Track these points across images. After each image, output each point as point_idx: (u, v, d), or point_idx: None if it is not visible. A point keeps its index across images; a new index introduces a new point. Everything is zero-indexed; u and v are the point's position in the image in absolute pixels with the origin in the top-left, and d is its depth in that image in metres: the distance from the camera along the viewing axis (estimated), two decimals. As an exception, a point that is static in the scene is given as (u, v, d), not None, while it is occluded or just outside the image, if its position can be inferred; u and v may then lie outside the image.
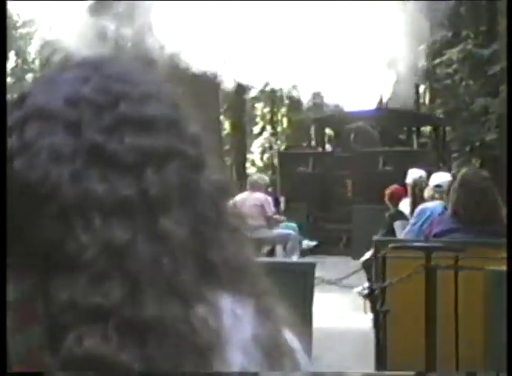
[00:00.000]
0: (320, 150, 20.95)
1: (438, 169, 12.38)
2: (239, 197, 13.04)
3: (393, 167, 16.92)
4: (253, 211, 12.80)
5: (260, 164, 38.35)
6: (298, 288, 5.81)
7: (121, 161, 0.96)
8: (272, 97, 37.50)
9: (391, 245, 6.53)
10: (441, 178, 8.78)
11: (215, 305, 0.96)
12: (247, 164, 35.71)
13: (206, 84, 27.00)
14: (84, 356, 0.88)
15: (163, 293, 0.92)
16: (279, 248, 14.13)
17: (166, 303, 0.92)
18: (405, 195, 10.86)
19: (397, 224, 9.99)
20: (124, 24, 18.84)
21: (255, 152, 38.54)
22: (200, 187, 1.01)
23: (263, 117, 40.64)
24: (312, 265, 6.44)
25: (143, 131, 0.99)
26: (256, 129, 39.92)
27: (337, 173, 18.58)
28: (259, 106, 40.48)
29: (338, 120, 21.61)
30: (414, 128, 22.90)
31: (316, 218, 17.95)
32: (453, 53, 26.33)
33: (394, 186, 11.64)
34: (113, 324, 0.89)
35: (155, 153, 0.98)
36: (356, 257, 11.61)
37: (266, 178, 14.79)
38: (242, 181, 29.42)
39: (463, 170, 7.00)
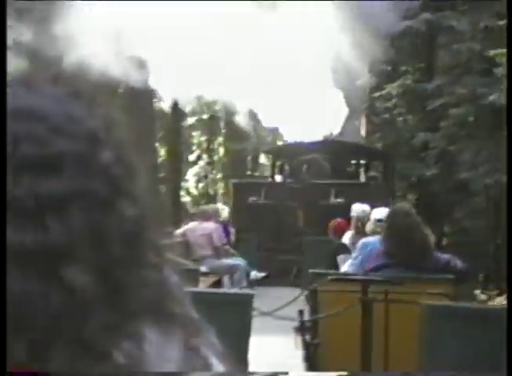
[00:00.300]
0: (270, 180, 21.06)
1: (387, 203, 12.12)
2: (188, 226, 13.48)
3: (345, 199, 16.83)
4: (201, 240, 12.99)
5: (195, 192, 38.16)
6: (236, 319, 5.79)
7: (22, 208, 0.89)
8: (209, 125, 37.88)
9: (329, 277, 6.62)
10: (382, 212, 8.61)
11: (138, 344, 0.92)
12: (182, 193, 35.60)
13: (142, 108, 26.54)
14: None
15: (70, 347, 0.87)
16: (226, 279, 13.88)
17: (75, 358, 0.88)
18: (349, 228, 10.86)
19: (340, 257, 9.89)
20: (41, 31, 16.78)
21: (190, 180, 38.33)
22: (111, 228, 0.93)
23: (199, 145, 40.60)
24: (250, 296, 6.30)
25: (44, 173, 0.91)
26: (192, 157, 39.77)
27: (289, 204, 18.62)
28: (196, 134, 40.53)
29: (290, 151, 21.66)
30: (363, 162, 23.04)
31: (267, 249, 17.59)
32: (393, 88, 25.99)
33: (337, 220, 11.86)
34: None
35: (56, 196, 0.90)
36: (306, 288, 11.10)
37: (219, 207, 14.78)
38: (176, 209, 29.56)
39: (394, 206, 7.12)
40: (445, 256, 6.74)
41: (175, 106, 31.48)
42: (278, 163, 22.72)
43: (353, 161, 23.19)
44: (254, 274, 14.25)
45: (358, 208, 10.52)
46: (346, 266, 8.52)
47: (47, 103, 0.97)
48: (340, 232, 11.17)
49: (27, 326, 0.87)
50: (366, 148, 24.44)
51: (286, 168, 21.29)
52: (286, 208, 18.72)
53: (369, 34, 20.47)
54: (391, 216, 6.91)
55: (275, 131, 24.41)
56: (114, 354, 0.90)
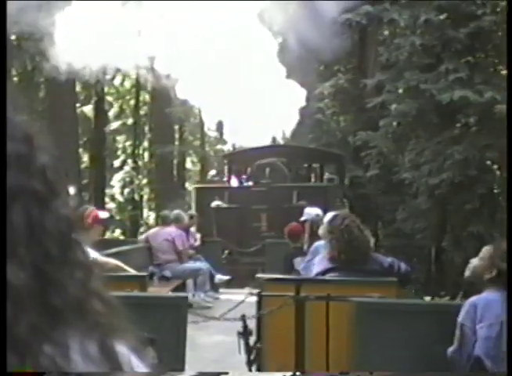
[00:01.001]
0: (228, 184, 20.73)
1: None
2: (150, 232, 13.69)
3: (306, 201, 16.07)
4: (164, 245, 12.91)
5: (120, 198, 36.45)
6: (171, 322, 5.84)
7: None
8: (133, 130, 36.69)
9: (265, 278, 7.03)
10: (327, 215, 8.33)
11: (63, 344, 0.93)
12: (107, 199, 34.59)
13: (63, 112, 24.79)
14: None
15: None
16: (189, 283, 13.75)
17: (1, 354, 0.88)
18: (303, 232, 10.72)
19: (297, 260, 9.98)
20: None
21: (116, 186, 36.48)
22: (46, 224, 0.96)
23: (124, 150, 39.08)
24: (185, 298, 6.49)
25: None
26: (117, 163, 38.00)
27: (253, 207, 18.63)
28: (121, 139, 39.14)
29: (247, 156, 21.61)
30: (315, 165, 22.99)
31: (231, 253, 17.75)
32: (325, 87, 24.68)
33: (292, 224, 11.54)
34: None
35: None
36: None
37: (181, 212, 14.26)
38: None
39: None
40: (389, 259, 6.63)
41: (99, 109, 30.90)
42: (234, 167, 22.02)
43: (305, 165, 22.95)
44: (218, 278, 14.16)
45: (311, 212, 10.52)
46: (300, 269, 8.73)
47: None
48: (296, 235, 10.99)
49: None
50: (320, 151, 23.87)
51: (248, 171, 20.75)
52: (249, 212, 18.68)
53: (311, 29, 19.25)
54: (331, 220, 6.85)
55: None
56: (41, 351, 0.90)
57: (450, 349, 5.18)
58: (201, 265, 14.02)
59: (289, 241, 11.30)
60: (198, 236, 15.83)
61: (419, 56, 19.75)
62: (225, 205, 18.89)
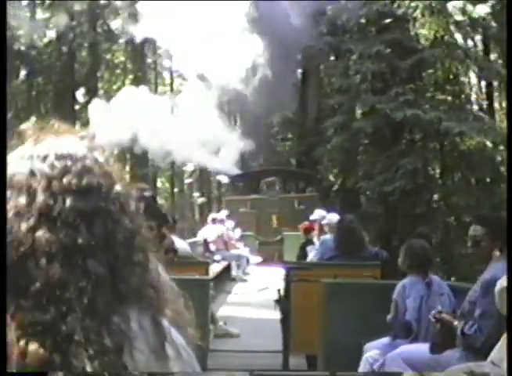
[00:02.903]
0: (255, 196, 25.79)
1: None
2: (204, 229, 16.93)
3: (304, 207, 22.15)
4: (216, 238, 16.32)
5: None
6: (198, 298, 6.27)
7: (63, 219, 1.20)
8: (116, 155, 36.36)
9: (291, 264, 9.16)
10: (335, 217, 10.36)
11: (126, 317, 1.20)
12: None
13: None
14: (30, 357, 1.12)
15: (84, 314, 1.15)
16: (233, 264, 17.04)
17: (84, 320, 1.15)
18: (313, 228, 12.79)
19: (308, 248, 12.17)
20: None
21: None
22: (118, 235, 1.25)
23: None
24: (208, 281, 7.47)
25: (79, 197, 1.23)
26: None
27: (267, 211, 24.09)
28: None
29: (253, 176, 28.35)
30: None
31: (260, 243, 22.59)
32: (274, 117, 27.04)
33: (305, 223, 13.65)
34: (48, 336, 1.13)
35: (87, 212, 1.22)
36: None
37: (221, 215, 18.11)
38: None
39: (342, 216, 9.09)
40: (376, 249, 8.20)
41: None
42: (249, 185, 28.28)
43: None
44: (254, 259, 18.13)
45: (318, 214, 12.28)
46: (311, 257, 10.76)
47: (80, 150, 1.31)
48: (308, 231, 13.08)
49: (59, 299, 1.15)
50: (296, 171, 29.32)
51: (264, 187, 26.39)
52: (265, 215, 24.16)
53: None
54: (340, 221, 8.63)
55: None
56: (112, 320, 1.19)
57: (388, 317, 6.13)
58: (241, 251, 17.83)
59: (302, 234, 13.43)
60: (238, 231, 19.80)
61: (371, 82, 21.00)
62: (249, 211, 24.40)
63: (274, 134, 31.63)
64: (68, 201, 1.21)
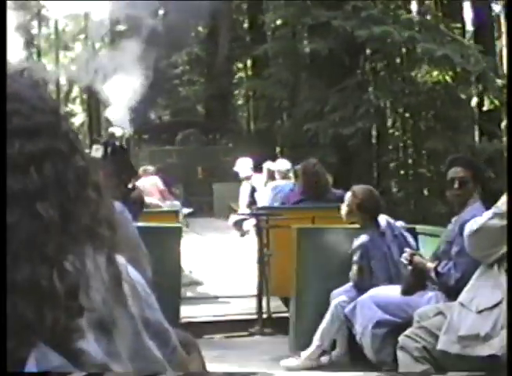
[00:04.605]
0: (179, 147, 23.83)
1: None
2: (140, 181, 13.77)
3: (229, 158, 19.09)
4: (151, 189, 13.71)
5: None
6: (171, 244, 6.75)
7: (13, 163, 1.07)
8: None
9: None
10: (287, 164, 10.19)
11: (79, 257, 1.09)
12: None
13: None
14: None
15: (34, 259, 1.04)
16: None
17: (35, 266, 1.03)
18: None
19: (256, 195, 11.17)
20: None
21: None
22: (68, 174, 1.12)
23: None
24: (179, 228, 7.46)
25: (29, 139, 1.09)
26: None
27: (192, 163, 22.45)
28: None
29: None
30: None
31: (188, 194, 19.75)
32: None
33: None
34: None
35: (36, 154, 1.09)
36: (219, 218, 16.03)
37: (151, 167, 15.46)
38: None
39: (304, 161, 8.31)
40: (339, 191, 7.51)
41: None
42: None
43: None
44: (185, 210, 14.79)
45: (268, 164, 11.30)
46: (264, 202, 9.75)
47: (26, 89, 1.16)
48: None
49: (9, 245, 1.03)
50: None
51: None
52: (191, 166, 22.31)
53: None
54: (305, 166, 7.98)
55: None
56: (64, 263, 1.07)
57: (354, 279, 5.75)
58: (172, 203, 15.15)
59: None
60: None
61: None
62: (175, 161, 22.46)
63: (179, 75, 26.29)
64: (16, 144, 1.08)
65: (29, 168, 1.06)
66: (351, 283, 5.80)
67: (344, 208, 6.01)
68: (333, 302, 5.74)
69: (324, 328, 5.76)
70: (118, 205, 1.73)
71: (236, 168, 12.16)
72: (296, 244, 6.41)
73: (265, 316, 7.25)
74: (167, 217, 8.59)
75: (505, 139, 14.00)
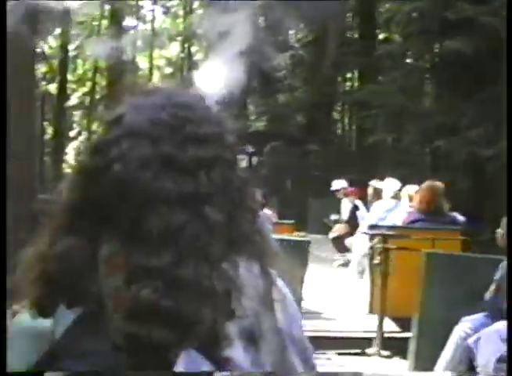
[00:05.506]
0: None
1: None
2: None
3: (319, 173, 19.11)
4: None
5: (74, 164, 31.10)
6: (299, 256, 6.49)
7: (184, 167, 1.11)
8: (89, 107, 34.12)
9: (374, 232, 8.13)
10: (396, 184, 10.08)
11: (235, 263, 1.11)
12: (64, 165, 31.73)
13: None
14: (140, 302, 1.04)
15: (198, 259, 1.07)
16: None
17: (198, 266, 1.07)
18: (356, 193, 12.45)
19: (358, 213, 11.72)
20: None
21: (70, 153, 33.26)
22: (234, 182, 1.16)
23: (80, 122, 36.66)
24: (309, 242, 7.53)
25: (200, 145, 1.14)
26: (72, 133, 35.63)
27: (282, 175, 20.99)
28: (77, 113, 37.11)
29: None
30: None
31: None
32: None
33: (349, 188, 12.58)
34: (162, 280, 1.05)
35: (206, 160, 1.13)
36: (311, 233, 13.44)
37: None
38: (57, 180, 24.56)
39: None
40: (454, 214, 7.92)
41: (61, 87, 29.09)
42: None
43: None
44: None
45: (374, 183, 11.10)
46: (369, 220, 9.90)
47: (197, 100, 1.22)
48: (352, 195, 12.34)
49: (176, 244, 1.07)
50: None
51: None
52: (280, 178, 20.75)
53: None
54: (428, 187, 7.85)
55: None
56: (223, 265, 1.09)
57: (487, 296, 5.49)
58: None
59: (349, 199, 12.39)
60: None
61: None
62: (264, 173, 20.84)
63: (281, 78, 23.83)
64: (189, 150, 1.13)
65: (199, 172, 1.11)
66: (476, 315, 5.63)
67: (501, 233, 5.94)
68: (457, 329, 5.62)
69: (447, 356, 5.57)
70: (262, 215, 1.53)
71: (335, 185, 12.25)
72: (424, 268, 6.27)
73: (373, 335, 7.03)
74: (285, 229, 9.29)
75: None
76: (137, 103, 1.18)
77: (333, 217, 12.76)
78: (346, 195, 12.36)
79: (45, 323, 1.14)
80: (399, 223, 8.46)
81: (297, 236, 12.50)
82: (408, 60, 14.92)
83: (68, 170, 31.30)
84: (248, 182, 1.19)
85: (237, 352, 1.06)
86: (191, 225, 1.06)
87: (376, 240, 7.40)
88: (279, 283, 1.19)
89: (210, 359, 1.02)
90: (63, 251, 1.11)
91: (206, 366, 1.01)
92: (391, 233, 7.50)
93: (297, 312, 1.23)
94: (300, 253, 6.60)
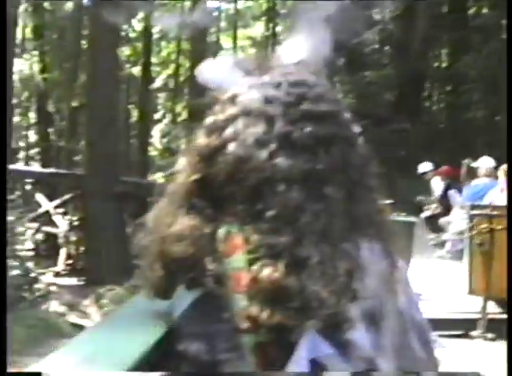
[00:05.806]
0: None
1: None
2: None
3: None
4: None
5: (159, 146, 32.77)
6: (405, 237, 6.24)
7: (302, 145, 1.08)
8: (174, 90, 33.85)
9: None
10: (491, 162, 9.83)
11: (357, 243, 1.08)
12: (150, 148, 31.51)
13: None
14: (261, 282, 1.00)
15: (319, 238, 1.03)
16: None
17: (319, 245, 1.03)
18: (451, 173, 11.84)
19: (451, 192, 11.17)
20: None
21: (155, 136, 32.82)
22: (353, 161, 1.13)
23: (164, 105, 36.08)
24: (413, 223, 7.34)
25: (317, 123, 1.11)
26: (157, 116, 34.87)
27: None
28: (161, 95, 36.41)
29: None
30: None
31: None
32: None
33: (444, 167, 12.15)
34: (283, 260, 1.01)
35: (325, 138, 1.10)
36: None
37: None
38: (145, 161, 26.50)
39: None
40: None
41: (145, 70, 28.41)
42: None
43: None
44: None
45: (468, 161, 10.90)
46: (462, 198, 9.89)
47: (312, 78, 1.18)
48: (449, 174, 11.80)
49: (295, 223, 1.03)
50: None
51: None
52: None
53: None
54: None
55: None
56: (344, 245, 1.04)
57: None
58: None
59: (442, 177, 11.89)
60: None
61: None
62: None
63: (368, 54, 22.25)
64: (307, 127, 1.10)
65: (318, 150, 1.08)
66: None
67: None
68: None
69: None
70: None
71: (422, 167, 11.88)
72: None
73: (474, 316, 6.76)
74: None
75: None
76: (251, 82, 1.16)
77: (420, 198, 12.49)
78: (439, 174, 12.04)
79: (162, 304, 1.13)
80: (497, 203, 8.10)
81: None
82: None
83: (154, 153, 32.32)
84: (368, 159, 1.16)
85: (358, 335, 1.03)
86: (310, 204, 1.04)
87: (476, 219, 7.08)
88: (400, 264, 1.16)
89: (331, 341, 1.00)
90: (182, 231, 1.10)
91: (327, 350, 1.00)
92: (495, 213, 7.15)
93: (416, 295, 1.20)
94: (406, 234, 6.40)
